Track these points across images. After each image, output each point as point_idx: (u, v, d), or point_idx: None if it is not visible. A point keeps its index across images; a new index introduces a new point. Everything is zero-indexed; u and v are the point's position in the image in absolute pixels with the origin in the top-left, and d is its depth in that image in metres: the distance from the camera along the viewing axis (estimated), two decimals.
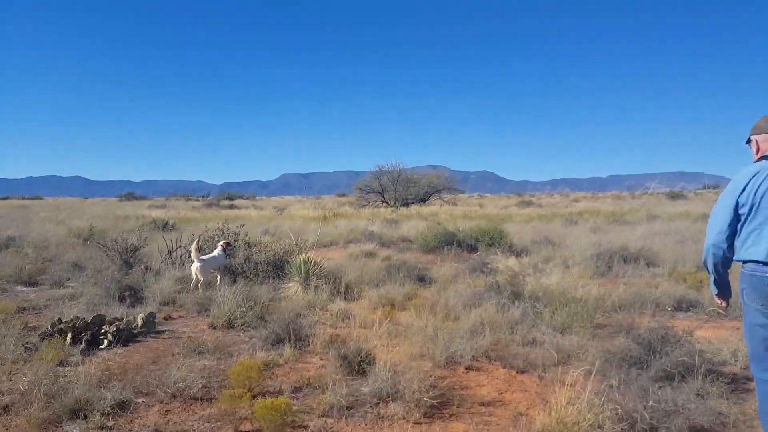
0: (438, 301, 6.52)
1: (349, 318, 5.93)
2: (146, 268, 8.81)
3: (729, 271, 3.08)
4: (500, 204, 34.52)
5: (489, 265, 9.35)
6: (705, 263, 3.07)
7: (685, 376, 3.76)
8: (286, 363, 4.52)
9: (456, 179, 35.54)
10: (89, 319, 5.19)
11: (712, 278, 3.09)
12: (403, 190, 30.41)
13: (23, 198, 54.28)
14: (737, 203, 2.91)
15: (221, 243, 8.15)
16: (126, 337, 5.16)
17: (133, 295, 6.75)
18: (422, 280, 8.30)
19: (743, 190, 2.90)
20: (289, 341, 4.87)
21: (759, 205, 2.84)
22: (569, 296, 6.17)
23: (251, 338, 5.30)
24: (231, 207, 33.60)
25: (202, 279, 7.50)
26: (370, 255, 11.21)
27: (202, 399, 3.75)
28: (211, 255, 7.90)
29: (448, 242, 11.31)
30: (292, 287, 7.27)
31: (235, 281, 7.61)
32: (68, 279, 8.43)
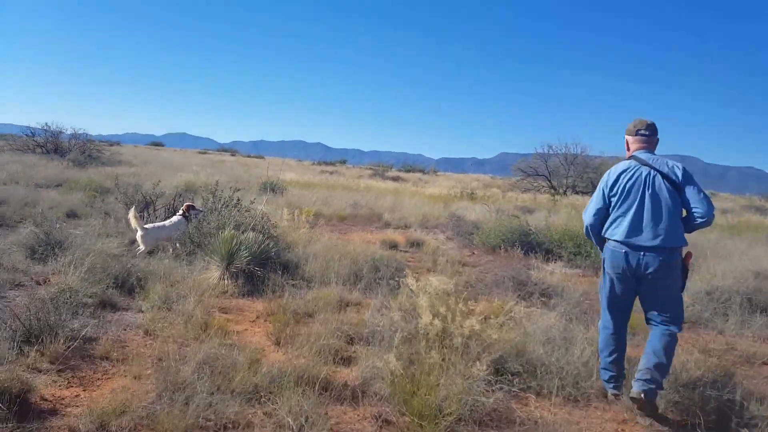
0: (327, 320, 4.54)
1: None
2: None
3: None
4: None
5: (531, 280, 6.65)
6: (587, 235, 3.86)
7: None
8: None
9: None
10: None
11: (595, 244, 3.85)
12: (576, 175, 26.02)
13: (249, 156, 62.54)
14: (609, 193, 3.64)
15: (183, 206, 7.20)
16: None
17: (46, 253, 6.16)
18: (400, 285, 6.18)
19: (614, 183, 3.61)
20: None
21: (625, 197, 3.56)
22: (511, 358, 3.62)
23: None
24: (396, 179, 33.24)
25: (144, 248, 6.64)
26: (415, 245, 9.22)
27: None
28: (161, 223, 7.01)
29: (512, 243, 8.63)
30: (211, 271, 5.93)
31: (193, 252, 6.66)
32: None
